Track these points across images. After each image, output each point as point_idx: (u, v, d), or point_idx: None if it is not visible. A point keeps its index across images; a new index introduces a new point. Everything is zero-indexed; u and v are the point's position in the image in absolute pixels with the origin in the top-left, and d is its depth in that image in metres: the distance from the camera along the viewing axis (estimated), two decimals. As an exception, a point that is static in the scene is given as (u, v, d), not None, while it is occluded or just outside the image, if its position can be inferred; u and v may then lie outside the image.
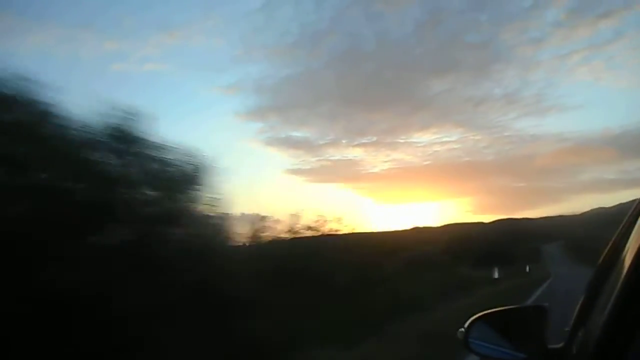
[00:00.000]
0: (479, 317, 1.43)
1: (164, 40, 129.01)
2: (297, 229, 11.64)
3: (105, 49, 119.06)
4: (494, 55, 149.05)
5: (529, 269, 34.18)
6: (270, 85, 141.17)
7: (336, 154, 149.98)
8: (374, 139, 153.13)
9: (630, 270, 0.72)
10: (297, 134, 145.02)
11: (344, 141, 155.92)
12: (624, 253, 0.85)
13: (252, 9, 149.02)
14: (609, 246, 1.16)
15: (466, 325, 1.44)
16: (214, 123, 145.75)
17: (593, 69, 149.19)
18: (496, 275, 26.34)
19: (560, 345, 1.28)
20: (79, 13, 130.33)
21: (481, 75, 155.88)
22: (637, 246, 0.73)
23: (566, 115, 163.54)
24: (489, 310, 1.45)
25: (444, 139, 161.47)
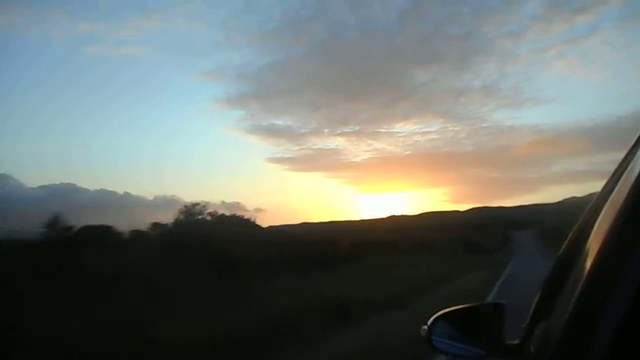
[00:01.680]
0: (441, 315, 1.49)
1: (142, 22, 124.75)
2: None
3: (78, 30, 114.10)
4: (475, 48, 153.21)
5: None
6: (251, 72, 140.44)
7: (318, 142, 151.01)
8: (356, 128, 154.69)
9: (593, 266, 0.73)
10: (279, 122, 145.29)
11: (326, 130, 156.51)
12: (585, 248, 0.86)
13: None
14: (567, 240, 1.20)
15: (428, 323, 1.50)
16: (193, 109, 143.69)
17: (568, 63, 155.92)
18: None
19: (517, 341, 1.35)
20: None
21: (462, 66, 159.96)
22: (598, 244, 0.74)
23: (542, 107, 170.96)
24: (450, 309, 1.50)
25: (425, 130, 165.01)
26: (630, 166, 0.84)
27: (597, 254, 0.73)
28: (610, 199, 0.85)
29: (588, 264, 0.76)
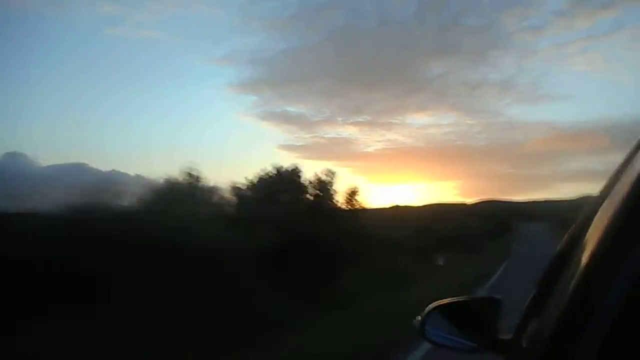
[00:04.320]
0: (435, 307, 1.59)
1: (162, 6, 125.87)
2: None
3: (101, 11, 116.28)
4: (493, 41, 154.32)
5: None
6: (266, 58, 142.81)
7: (331, 131, 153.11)
8: (369, 118, 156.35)
9: (588, 264, 0.78)
10: (292, 109, 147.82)
11: (339, 119, 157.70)
12: (582, 246, 0.91)
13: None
14: (564, 238, 1.29)
15: (422, 314, 1.61)
16: (207, 94, 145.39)
17: (589, 59, 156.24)
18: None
19: (510, 336, 1.46)
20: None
21: (479, 59, 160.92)
22: (594, 242, 0.79)
23: (559, 104, 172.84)
24: (445, 301, 1.60)
25: (439, 122, 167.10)
26: (630, 166, 0.90)
27: (593, 252, 0.78)
28: (609, 197, 0.91)
29: (583, 262, 0.81)
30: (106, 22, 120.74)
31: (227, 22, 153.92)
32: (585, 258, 0.82)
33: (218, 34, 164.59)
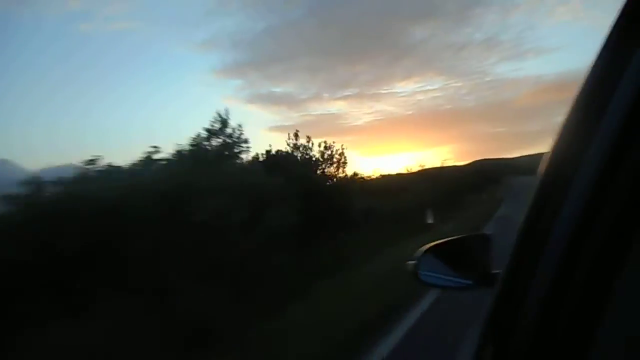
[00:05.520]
0: (427, 249, 1.62)
1: None
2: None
3: (69, 8, 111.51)
4: None
5: None
6: (247, 40, 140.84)
7: (319, 108, 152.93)
8: (357, 90, 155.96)
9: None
10: (278, 89, 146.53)
11: (326, 95, 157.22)
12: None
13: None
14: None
15: (415, 257, 1.64)
16: (191, 81, 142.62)
17: (571, 8, 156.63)
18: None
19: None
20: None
21: (461, 20, 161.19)
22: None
23: (545, 57, 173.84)
24: (436, 242, 1.62)
25: (427, 88, 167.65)
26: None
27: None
28: None
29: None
30: (76, 19, 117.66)
31: (204, 5, 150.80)
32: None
33: (196, 19, 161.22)
